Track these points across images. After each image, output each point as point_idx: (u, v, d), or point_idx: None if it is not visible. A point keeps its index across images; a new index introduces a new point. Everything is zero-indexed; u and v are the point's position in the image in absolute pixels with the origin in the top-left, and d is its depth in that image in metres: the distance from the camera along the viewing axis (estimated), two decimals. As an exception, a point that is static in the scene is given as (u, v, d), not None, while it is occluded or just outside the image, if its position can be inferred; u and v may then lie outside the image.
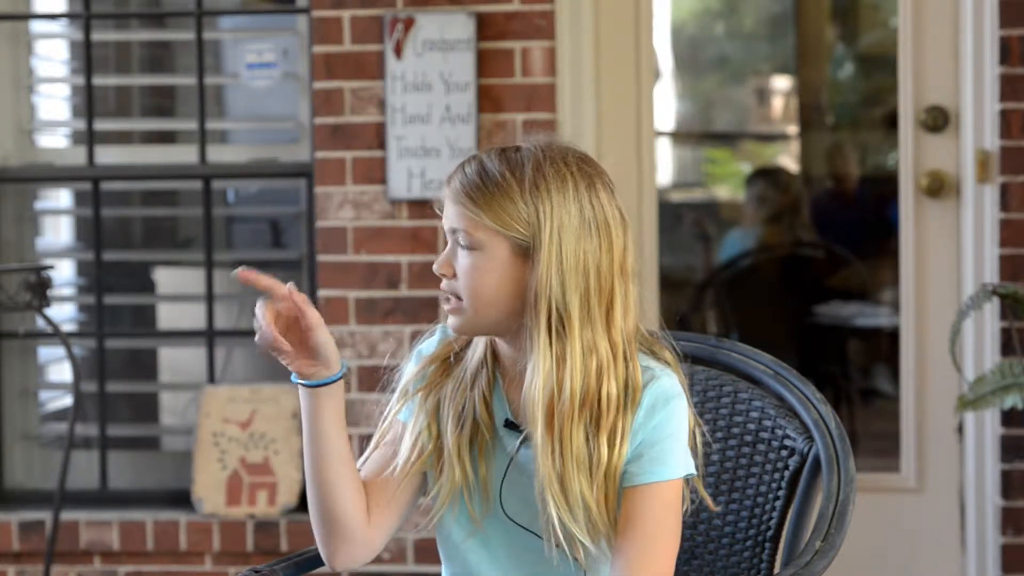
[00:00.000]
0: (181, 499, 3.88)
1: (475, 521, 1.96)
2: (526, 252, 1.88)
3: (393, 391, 2.02)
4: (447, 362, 1.99)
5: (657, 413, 1.89)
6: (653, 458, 1.89)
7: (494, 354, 1.97)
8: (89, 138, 3.96)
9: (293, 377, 1.90)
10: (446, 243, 1.94)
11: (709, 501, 2.00)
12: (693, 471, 1.92)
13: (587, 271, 1.89)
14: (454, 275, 1.91)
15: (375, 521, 1.95)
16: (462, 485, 1.94)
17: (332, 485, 1.92)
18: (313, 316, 1.86)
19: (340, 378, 1.91)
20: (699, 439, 1.95)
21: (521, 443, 1.94)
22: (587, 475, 1.88)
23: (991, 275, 3.62)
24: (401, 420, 1.99)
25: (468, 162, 1.93)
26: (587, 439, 1.88)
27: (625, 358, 1.90)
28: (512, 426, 1.95)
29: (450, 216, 1.91)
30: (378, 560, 3.29)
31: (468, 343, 1.99)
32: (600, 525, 1.89)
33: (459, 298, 1.91)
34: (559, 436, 1.87)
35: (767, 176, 6.13)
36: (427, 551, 3.71)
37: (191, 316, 4.30)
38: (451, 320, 1.93)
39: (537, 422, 1.87)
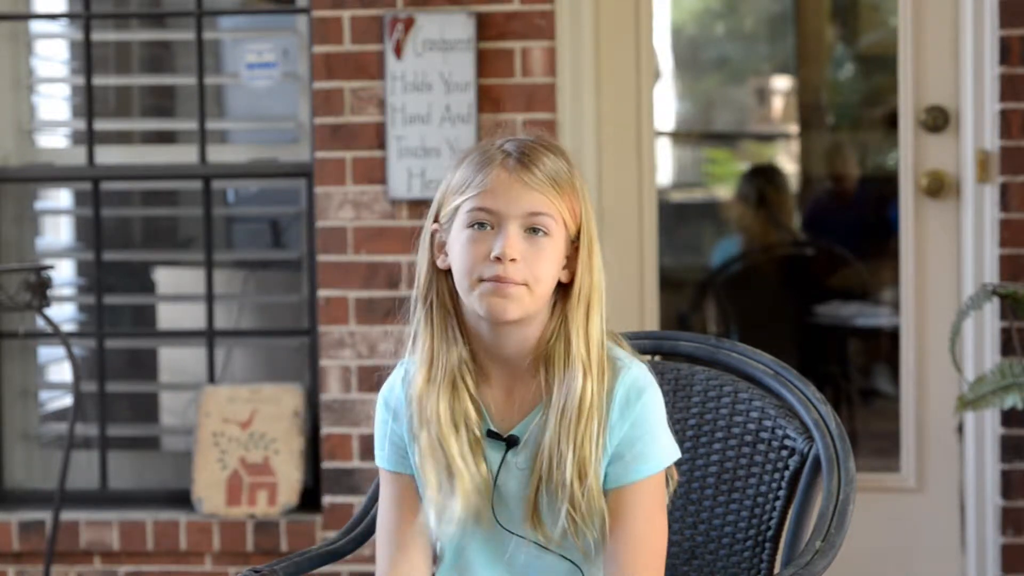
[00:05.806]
0: (181, 499, 3.88)
1: (481, 521, 1.94)
2: (569, 243, 1.92)
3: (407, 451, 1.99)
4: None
5: (631, 409, 1.89)
6: (636, 455, 1.89)
7: (470, 356, 1.94)
8: (89, 138, 3.96)
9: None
10: (490, 226, 1.89)
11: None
12: (678, 454, 1.93)
13: (601, 262, 1.95)
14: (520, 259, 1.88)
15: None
16: (472, 491, 1.92)
17: None
18: None
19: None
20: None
21: (505, 452, 1.93)
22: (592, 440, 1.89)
23: (991, 275, 3.62)
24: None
25: (532, 147, 1.91)
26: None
27: (603, 343, 1.94)
28: (494, 436, 1.93)
29: (525, 200, 1.88)
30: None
31: (431, 368, 1.95)
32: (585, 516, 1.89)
33: (521, 284, 1.87)
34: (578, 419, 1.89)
35: (762, 174, 6.13)
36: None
37: (191, 316, 4.30)
38: (508, 307, 1.87)
39: (573, 410, 1.88)
